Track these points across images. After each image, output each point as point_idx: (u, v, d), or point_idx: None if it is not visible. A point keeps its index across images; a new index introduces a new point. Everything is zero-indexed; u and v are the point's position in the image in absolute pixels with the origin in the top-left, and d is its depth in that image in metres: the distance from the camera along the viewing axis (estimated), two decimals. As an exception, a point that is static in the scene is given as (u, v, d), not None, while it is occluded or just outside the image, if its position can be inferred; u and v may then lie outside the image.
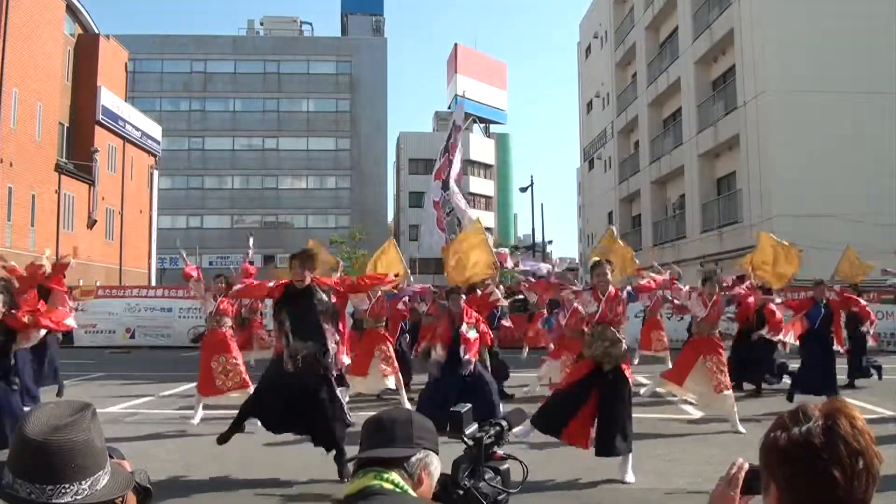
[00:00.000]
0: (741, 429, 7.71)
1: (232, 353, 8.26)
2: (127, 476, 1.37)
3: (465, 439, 1.79)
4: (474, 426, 1.83)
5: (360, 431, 1.70)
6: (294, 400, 5.74)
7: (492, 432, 1.85)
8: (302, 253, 6.00)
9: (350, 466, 1.73)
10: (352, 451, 1.71)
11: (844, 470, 1.11)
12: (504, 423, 1.88)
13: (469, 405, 1.85)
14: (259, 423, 6.24)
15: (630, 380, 6.12)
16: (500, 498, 1.73)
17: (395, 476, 1.57)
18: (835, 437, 1.13)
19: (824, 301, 9.57)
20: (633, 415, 8.77)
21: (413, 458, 1.61)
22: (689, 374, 8.13)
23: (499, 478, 1.79)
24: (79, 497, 1.24)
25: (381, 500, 1.52)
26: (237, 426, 6.02)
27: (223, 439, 5.97)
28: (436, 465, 1.67)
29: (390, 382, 9.35)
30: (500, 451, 1.86)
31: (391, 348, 9.55)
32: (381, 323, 9.62)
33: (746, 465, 1.31)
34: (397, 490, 1.55)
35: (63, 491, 1.22)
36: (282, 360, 5.71)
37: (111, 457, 1.38)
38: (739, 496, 1.30)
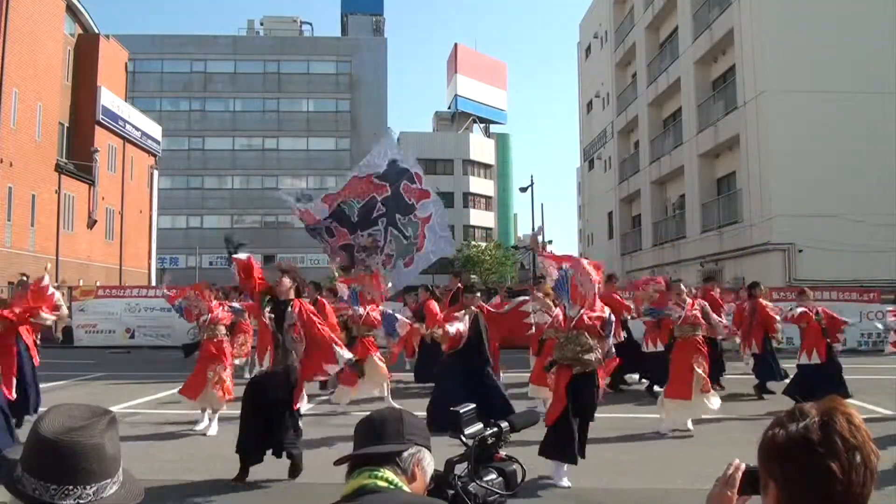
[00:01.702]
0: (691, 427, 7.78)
1: (226, 363, 8.36)
2: (137, 487, 1.35)
3: (464, 439, 1.80)
4: (477, 426, 1.83)
5: (354, 433, 1.71)
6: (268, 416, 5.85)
7: (490, 433, 1.85)
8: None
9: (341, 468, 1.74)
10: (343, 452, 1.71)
11: (842, 463, 1.12)
12: (504, 425, 1.88)
13: (472, 405, 1.86)
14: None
15: (601, 390, 6.07)
16: (490, 499, 1.73)
17: (388, 473, 1.59)
18: (832, 432, 1.14)
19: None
20: (633, 415, 8.76)
21: (405, 454, 1.64)
22: (692, 384, 7.80)
23: (501, 479, 1.79)
24: (81, 501, 1.23)
25: (375, 498, 1.53)
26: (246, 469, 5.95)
27: (240, 479, 5.84)
28: (428, 460, 1.69)
29: (383, 390, 9.57)
30: (501, 453, 1.86)
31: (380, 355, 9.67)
32: (371, 332, 9.65)
33: (743, 466, 1.32)
34: (391, 487, 1.57)
35: (66, 492, 1.22)
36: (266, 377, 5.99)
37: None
38: (736, 496, 1.30)
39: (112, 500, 1.27)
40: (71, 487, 1.23)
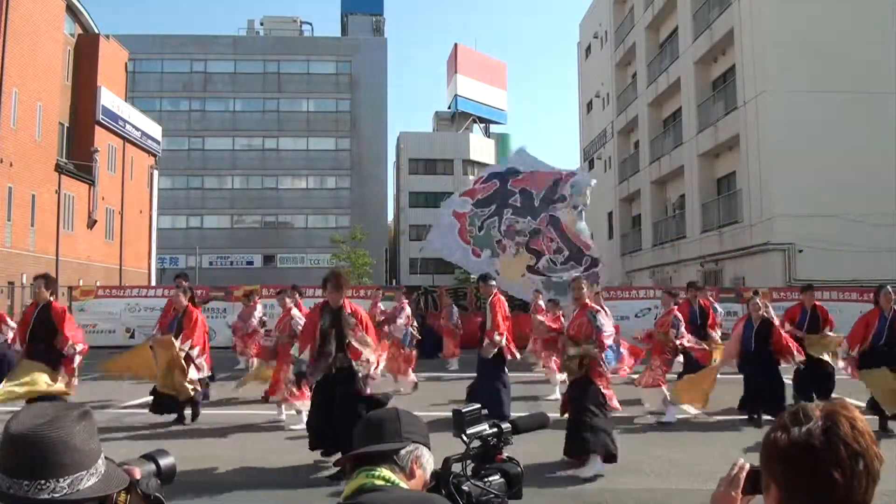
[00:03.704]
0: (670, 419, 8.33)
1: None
2: (119, 478, 1.34)
3: (463, 437, 1.80)
4: (481, 426, 1.83)
5: (353, 434, 1.72)
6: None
7: (490, 433, 1.85)
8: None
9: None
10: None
11: (844, 471, 1.12)
12: (505, 425, 1.88)
13: (478, 405, 1.87)
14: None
15: (599, 384, 6.21)
16: (484, 499, 1.73)
17: (385, 472, 1.61)
18: (834, 438, 1.14)
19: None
20: (633, 414, 8.76)
21: (402, 452, 1.65)
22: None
23: (503, 481, 1.79)
24: (56, 495, 1.22)
25: (372, 496, 1.54)
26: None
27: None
28: (427, 457, 1.70)
29: None
30: (503, 454, 1.86)
31: None
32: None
33: (747, 466, 1.32)
34: (388, 485, 1.58)
35: (39, 487, 1.21)
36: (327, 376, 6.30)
37: (124, 464, 1.39)
38: (740, 496, 1.30)
39: (89, 492, 1.26)
40: (43, 482, 1.21)
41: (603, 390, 6.19)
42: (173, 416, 8.37)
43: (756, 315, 8.42)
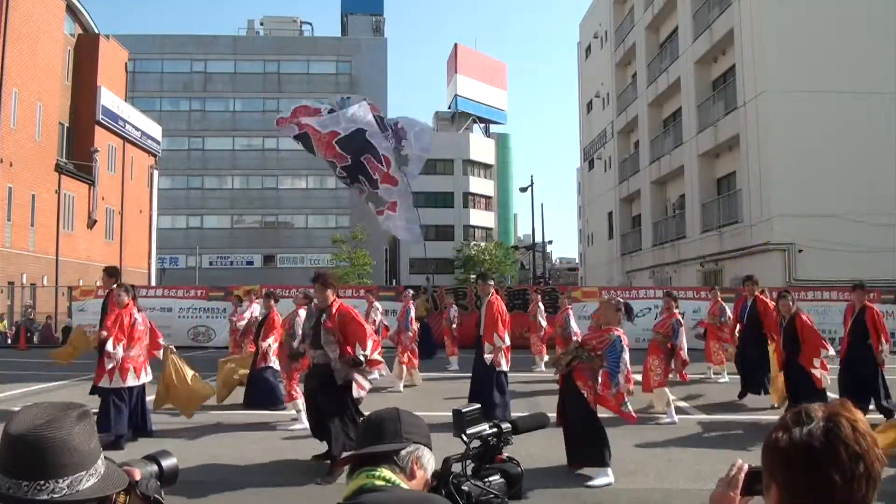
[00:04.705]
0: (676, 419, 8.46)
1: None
2: (119, 478, 1.34)
3: (463, 437, 1.80)
4: (481, 426, 1.83)
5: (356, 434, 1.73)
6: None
7: (490, 432, 1.85)
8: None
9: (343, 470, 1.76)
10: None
11: (844, 473, 1.12)
12: (505, 425, 1.88)
13: (478, 405, 1.87)
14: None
15: (583, 391, 6.03)
16: (483, 499, 1.73)
17: (385, 472, 1.61)
18: (835, 440, 1.14)
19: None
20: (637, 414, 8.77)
21: (403, 452, 1.65)
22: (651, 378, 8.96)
23: (503, 481, 1.79)
24: (56, 496, 1.22)
25: (372, 496, 1.55)
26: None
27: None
28: (428, 458, 1.70)
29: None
30: (503, 454, 1.86)
31: None
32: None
33: (746, 466, 1.31)
34: (388, 485, 1.59)
35: (39, 488, 1.21)
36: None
37: (125, 465, 1.38)
38: (739, 497, 1.30)
39: (89, 493, 1.26)
40: (42, 482, 1.21)
41: (586, 395, 6.03)
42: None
43: (786, 312, 8.49)
